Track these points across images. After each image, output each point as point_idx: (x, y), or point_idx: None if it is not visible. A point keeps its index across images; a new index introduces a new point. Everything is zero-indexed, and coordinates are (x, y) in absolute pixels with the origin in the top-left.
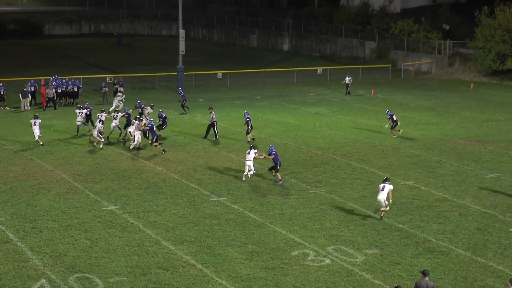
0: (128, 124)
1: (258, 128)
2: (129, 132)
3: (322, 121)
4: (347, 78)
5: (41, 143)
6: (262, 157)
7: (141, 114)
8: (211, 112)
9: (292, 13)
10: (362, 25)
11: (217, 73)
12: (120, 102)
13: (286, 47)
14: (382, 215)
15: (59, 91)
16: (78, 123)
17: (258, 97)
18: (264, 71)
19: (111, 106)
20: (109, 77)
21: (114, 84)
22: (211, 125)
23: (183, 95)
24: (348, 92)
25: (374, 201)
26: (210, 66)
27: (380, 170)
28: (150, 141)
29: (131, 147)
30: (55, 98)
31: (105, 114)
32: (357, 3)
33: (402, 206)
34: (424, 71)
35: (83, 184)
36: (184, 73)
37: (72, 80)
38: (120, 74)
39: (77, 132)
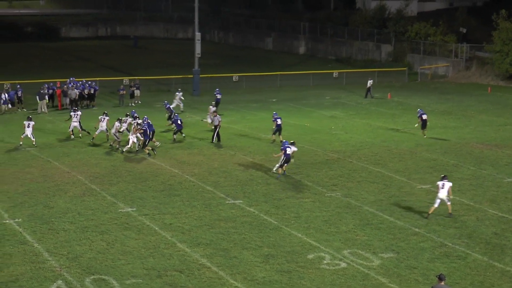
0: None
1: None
2: (114, 134)
3: (338, 124)
4: (368, 81)
5: (21, 143)
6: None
7: (170, 116)
8: (215, 116)
9: (308, 16)
10: (378, 28)
11: (233, 75)
12: (180, 100)
13: (302, 50)
14: (450, 211)
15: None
16: (75, 124)
17: (273, 100)
18: (279, 74)
19: (126, 108)
20: (126, 79)
21: (131, 86)
22: (216, 128)
23: (169, 107)
24: (371, 95)
25: (435, 199)
26: (226, 69)
27: (397, 173)
28: (141, 144)
29: (124, 149)
30: (76, 99)
31: (129, 119)
32: (374, 6)
33: (419, 210)
34: (441, 74)
35: (99, 186)
36: (200, 75)
37: (89, 83)
38: (137, 77)
39: (72, 134)
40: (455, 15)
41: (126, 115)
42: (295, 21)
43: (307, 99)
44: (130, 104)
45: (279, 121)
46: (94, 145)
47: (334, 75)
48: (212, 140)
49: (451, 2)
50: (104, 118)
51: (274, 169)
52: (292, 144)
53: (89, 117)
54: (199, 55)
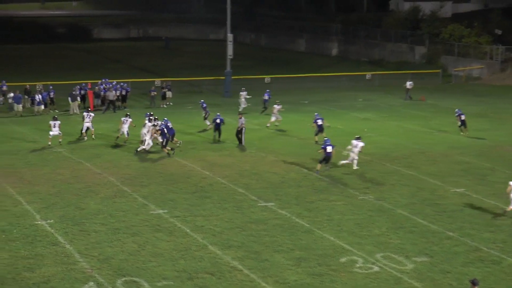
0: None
1: (307, 133)
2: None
3: (370, 126)
4: (407, 83)
5: (49, 143)
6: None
7: (205, 117)
8: (240, 118)
9: (341, 18)
10: (411, 30)
11: (264, 77)
12: (245, 100)
13: (334, 51)
14: None
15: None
16: (87, 124)
17: (305, 102)
18: (311, 75)
19: (158, 109)
20: (157, 81)
21: (162, 87)
22: (239, 131)
23: (205, 107)
24: (409, 96)
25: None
26: (258, 71)
27: (430, 177)
28: (160, 145)
29: (138, 149)
30: (114, 100)
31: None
32: (407, 8)
33: (452, 213)
34: (475, 76)
35: (130, 187)
36: (232, 77)
37: (121, 84)
38: (168, 78)
39: (85, 135)
40: (490, 16)
41: (127, 115)
42: (328, 23)
43: (340, 101)
44: (161, 106)
45: (319, 122)
46: (117, 145)
47: (367, 77)
48: (240, 142)
49: (486, 3)
50: (126, 120)
51: (318, 167)
52: (358, 139)
53: (119, 119)
54: (231, 57)
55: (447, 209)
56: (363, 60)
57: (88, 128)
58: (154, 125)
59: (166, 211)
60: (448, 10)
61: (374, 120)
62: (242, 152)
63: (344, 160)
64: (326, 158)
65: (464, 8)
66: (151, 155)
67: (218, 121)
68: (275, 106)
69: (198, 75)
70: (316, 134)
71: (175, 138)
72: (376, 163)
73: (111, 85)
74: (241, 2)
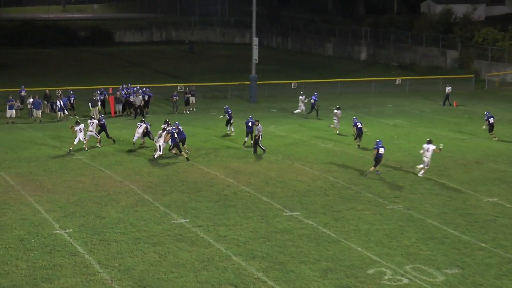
0: None
1: (334, 140)
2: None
3: (400, 133)
4: (447, 88)
5: (71, 148)
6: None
7: (229, 121)
8: (257, 125)
9: (370, 21)
10: (443, 33)
11: (291, 82)
12: (303, 104)
13: (363, 56)
14: None
15: (131, 99)
16: (91, 133)
17: (333, 107)
18: (340, 80)
19: (181, 115)
20: (180, 86)
21: (186, 93)
22: (257, 139)
23: (230, 112)
24: (449, 102)
25: None
26: (284, 75)
27: (462, 185)
28: (169, 148)
29: (155, 156)
30: (141, 105)
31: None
32: (439, 10)
33: (485, 224)
34: (510, 82)
35: (152, 196)
36: (257, 82)
37: (144, 89)
38: (192, 83)
39: (86, 146)
40: None
41: (142, 120)
42: (356, 26)
43: (368, 107)
44: (184, 112)
45: (359, 125)
46: (130, 151)
47: (397, 82)
48: (255, 151)
49: None
50: (141, 125)
51: (370, 169)
52: (430, 142)
53: (129, 125)
54: (257, 61)
55: (479, 219)
56: (393, 65)
57: (79, 139)
58: (164, 129)
59: (188, 220)
60: (481, 13)
61: (404, 126)
62: (268, 160)
63: (419, 165)
64: (377, 160)
65: (498, 10)
66: (173, 163)
67: (250, 124)
68: (336, 111)
69: (223, 80)
70: (356, 138)
71: (185, 145)
72: (406, 171)
73: (134, 90)
74: (267, 5)
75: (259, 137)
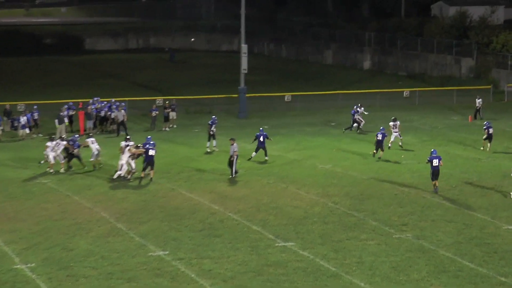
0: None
1: (334, 160)
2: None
3: (409, 152)
4: (477, 100)
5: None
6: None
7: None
8: (232, 144)
9: (375, 25)
10: (457, 39)
11: (285, 95)
12: (361, 116)
13: (367, 64)
14: None
15: (102, 115)
16: (54, 154)
17: (333, 124)
18: (341, 93)
19: (160, 133)
20: (159, 99)
21: (165, 107)
22: (232, 160)
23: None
24: (480, 116)
25: None
26: (277, 87)
27: (479, 211)
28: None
29: (114, 176)
30: (124, 121)
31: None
32: (452, 13)
33: (505, 254)
34: None
35: (127, 224)
36: (247, 95)
37: (118, 104)
38: (172, 96)
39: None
40: None
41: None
42: (360, 31)
43: (373, 122)
44: (164, 129)
45: (379, 137)
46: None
47: (404, 94)
48: (232, 174)
49: None
50: (127, 145)
51: (436, 183)
52: None
53: (114, 144)
54: (246, 71)
55: (499, 249)
56: (400, 74)
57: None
58: (127, 145)
59: (167, 252)
60: (500, 15)
61: (414, 144)
62: (259, 183)
63: None
64: (433, 173)
65: None
66: (150, 187)
67: (261, 139)
68: (391, 123)
69: (208, 93)
70: (377, 150)
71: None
72: (415, 195)
73: (118, 104)
74: (260, 7)
75: (234, 158)
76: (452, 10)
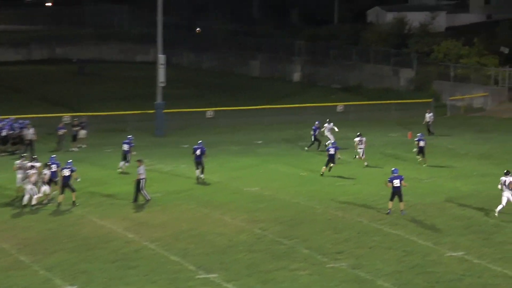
0: None
1: (261, 182)
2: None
3: (344, 172)
4: (427, 115)
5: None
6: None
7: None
8: (139, 166)
9: (306, 33)
10: (396, 48)
11: (207, 110)
12: (331, 133)
13: (297, 76)
14: None
15: (3, 134)
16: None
17: (260, 142)
18: (268, 107)
19: (67, 154)
20: (66, 116)
21: (74, 125)
22: (138, 183)
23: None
24: (431, 131)
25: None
26: (199, 102)
27: (420, 237)
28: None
29: (23, 203)
30: (33, 140)
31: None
32: (390, 20)
33: (449, 284)
34: (477, 107)
35: (30, 256)
36: (165, 110)
37: (20, 122)
38: (82, 113)
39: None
40: (495, 31)
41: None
42: (289, 39)
43: (305, 140)
44: (72, 149)
45: (331, 151)
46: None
47: (338, 109)
48: (134, 199)
49: (489, 14)
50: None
51: (389, 205)
52: (507, 174)
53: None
54: (163, 84)
55: (441, 278)
56: (334, 87)
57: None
58: (32, 166)
59: (76, 287)
60: (441, 22)
61: (349, 163)
62: (178, 208)
63: (499, 206)
64: (394, 194)
65: (462, 19)
66: (57, 214)
67: (198, 152)
68: (356, 139)
69: (121, 109)
70: (326, 165)
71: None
72: (351, 219)
73: (14, 123)
74: (178, 14)
75: (139, 181)
76: (389, 16)
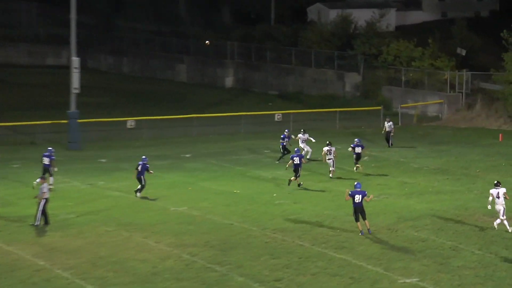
0: None
1: (190, 201)
2: None
3: (283, 190)
4: (386, 124)
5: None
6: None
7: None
8: (42, 184)
9: (239, 33)
10: (340, 50)
11: (127, 120)
12: (305, 144)
13: (229, 81)
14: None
15: None
16: None
17: (187, 155)
18: (197, 117)
19: None
20: None
21: None
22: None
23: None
24: (391, 142)
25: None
26: (118, 111)
27: (369, 261)
28: None
29: None
30: None
31: None
32: (333, 18)
33: None
34: (432, 115)
35: None
36: (79, 120)
37: None
38: None
39: None
40: (450, 30)
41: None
42: (220, 41)
43: (238, 154)
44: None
45: (296, 160)
46: None
47: (276, 118)
48: (35, 222)
49: (443, 12)
50: None
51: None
52: (497, 185)
53: None
54: (78, 91)
55: None
56: (271, 94)
57: None
58: None
59: None
60: (391, 21)
61: (279, 179)
62: (95, 231)
63: (496, 220)
64: (356, 211)
65: (414, 18)
66: None
67: (139, 168)
68: (326, 148)
69: (30, 119)
70: (296, 176)
71: None
72: (291, 243)
73: None
74: (94, 12)
75: (41, 202)
76: (332, 14)
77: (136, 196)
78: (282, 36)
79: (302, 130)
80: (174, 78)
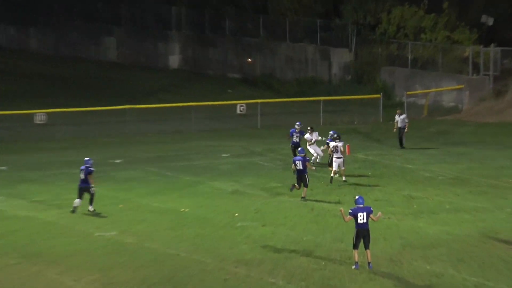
0: None
1: (120, 224)
2: None
3: (247, 207)
4: (398, 118)
5: None
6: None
7: None
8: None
9: None
10: (324, 19)
11: (35, 113)
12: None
13: (175, 61)
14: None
15: None
16: None
17: (118, 161)
18: (130, 108)
19: None
20: None
21: None
22: None
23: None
24: (403, 143)
25: None
26: (22, 101)
27: None
28: None
29: None
30: None
31: None
32: None
33: None
34: (448, 106)
35: None
36: None
37: None
38: None
39: None
40: None
41: None
42: (161, 5)
43: (187, 159)
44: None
45: (298, 165)
46: None
47: (239, 110)
48: None
49: None
50: None
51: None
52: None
53: None
54: None
55: None
56: (232, 77)
57: None
58: None
59: None
60: None
61: (254, 194)
62: None
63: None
64: (358, 236)
65: None
66: None
67: (83, 176)
68: (332, 143)
69: None
70: (299, 185)
71: None
72: (258, 279)
73: None
74: None
75: None
76: None
77: (89, 211)
78: (246, 1)
79: (309, 128)
80: (99, 57)
